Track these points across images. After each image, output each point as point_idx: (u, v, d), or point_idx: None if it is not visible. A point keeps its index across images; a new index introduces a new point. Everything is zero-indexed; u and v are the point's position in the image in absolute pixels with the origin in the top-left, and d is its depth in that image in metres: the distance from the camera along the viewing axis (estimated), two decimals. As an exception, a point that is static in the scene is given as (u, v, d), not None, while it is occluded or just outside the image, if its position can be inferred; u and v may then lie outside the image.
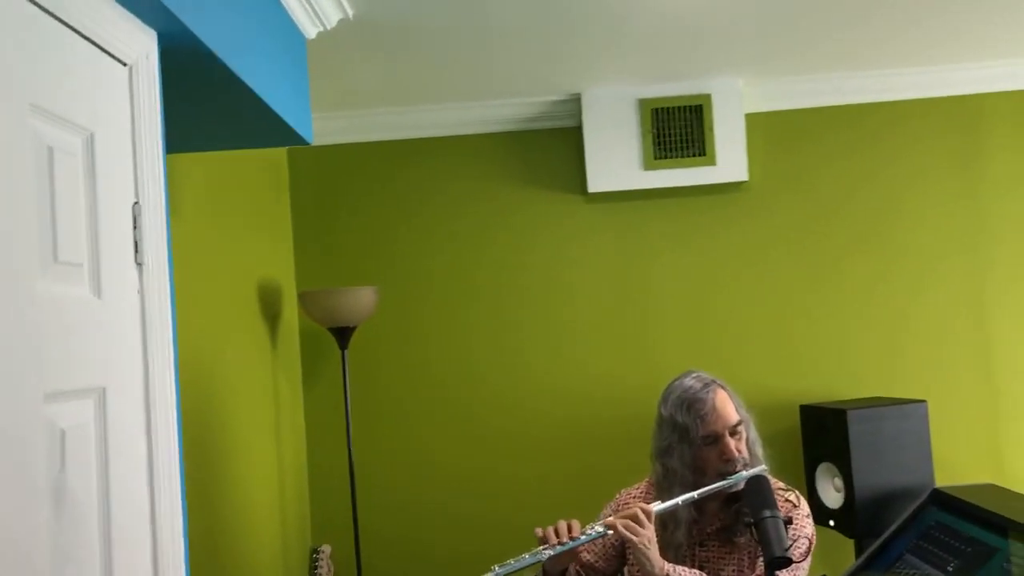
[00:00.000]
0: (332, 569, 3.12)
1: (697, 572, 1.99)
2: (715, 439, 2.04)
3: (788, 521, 1.90)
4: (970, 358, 3.27)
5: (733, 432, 2.05)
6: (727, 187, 3.34)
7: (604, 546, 2.16)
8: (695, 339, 3.34)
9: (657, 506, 1.99)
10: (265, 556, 2.82)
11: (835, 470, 2.96)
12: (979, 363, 3.27)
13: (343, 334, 3.05)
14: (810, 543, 2.07)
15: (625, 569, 2.24)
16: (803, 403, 3.15)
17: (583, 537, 1.96)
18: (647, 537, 1.95)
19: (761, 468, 2.01)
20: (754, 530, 1.86)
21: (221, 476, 2.53)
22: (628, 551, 2.19)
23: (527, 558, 1.94)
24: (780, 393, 3.23)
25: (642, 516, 1.95)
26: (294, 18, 2.24)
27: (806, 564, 2.07)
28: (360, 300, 2.99)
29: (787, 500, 2.07)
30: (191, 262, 2.29)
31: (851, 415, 2.85)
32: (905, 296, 3.32)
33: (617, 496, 2.28)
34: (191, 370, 2.27)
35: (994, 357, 3.27)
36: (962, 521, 2.58)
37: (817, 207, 3.36)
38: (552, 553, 1.94)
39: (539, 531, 1.98)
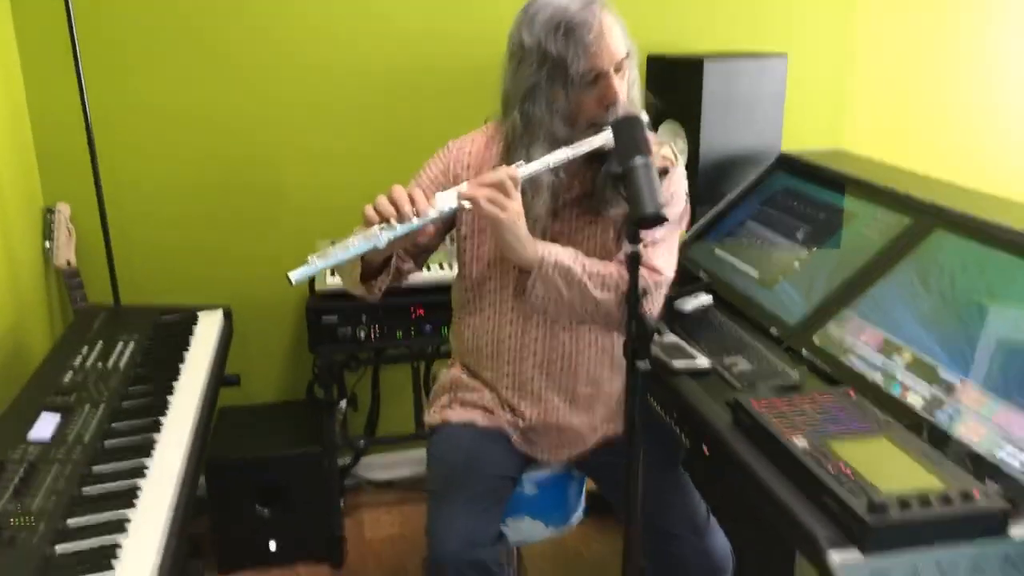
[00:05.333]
0: (73, 232, 2.50)
1: (574, 251, 1.60)
2: (596, 77, 1.55)
3: (664, 172, 1.50)
4: (833, 12, 2.91)
5: (618, 68, 1.57)
6: None
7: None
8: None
9: (523, 168, 1.53)
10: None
11: (680, 129, 2.61)
12: (841, 20, 2.93)
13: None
14: (686, 208, 1.71)
15: (453, 239, 1.82)
16: (652, 53, 2.70)
17: (432, 212, 1.48)
18: (515, 212, 1.50)
19: (640, 114, 1.57)
20: (622, 184, 1.44)
21: None
22: (466, 222, 1.75)
23: (357, 243, 1.45)
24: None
25: (509, 184, 1.49)
26: None
27: (678, 235, 1.73)
28: None
29: (664, 157, 1.66)
30: None
31: (708, 67, 2.45)
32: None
33: (447, 149, 1.79)
34: None
35: (857, 18, 2.93)
36: (814, 186, 2.34)
37: None
38: (392, 237, 1.46)
39: (370, 210, 1.48)
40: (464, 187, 1.52)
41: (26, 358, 2.30)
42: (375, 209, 1.48)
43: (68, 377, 1.87)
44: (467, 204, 1.51)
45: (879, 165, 2.44)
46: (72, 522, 1.37)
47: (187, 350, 2.10)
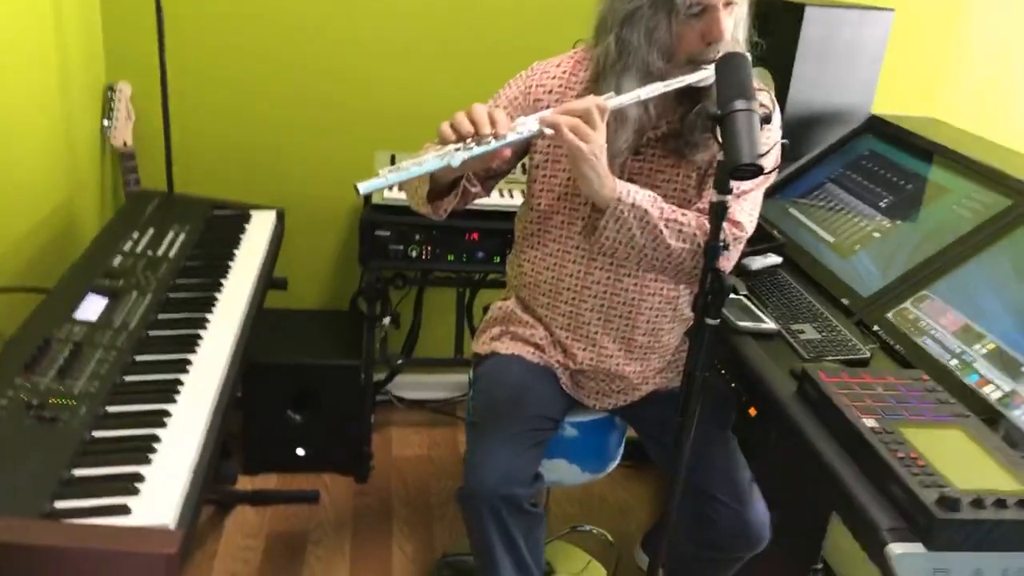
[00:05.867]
0: (132, 113, 2.44)
1: (653, 195, 1.51)
2: (703, 10, 1.44)
3: (766, 120, 1.40)
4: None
5: (728, 2, 1.45)
6: None
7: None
8: None
9: (613, 100, 1.43)
10: (37, 98, 2.09)
11: (769, 78, 2.47)
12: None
13: None
14: (778, 162, 1.61)
15: (528, 165, 1.74)
16: (750, -7, 2.55)
17: (510, 136, 1.40)
18: (599, 145, 1.41)
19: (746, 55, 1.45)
20: (718, 126, 1.35)
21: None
22: (540, 149, 1.67)
23: (430, 160, 1.37)
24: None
25: (596, 115, 1.40)
26: None
27: (764, 189, 1.64)
28: None
29: (762, 105, 1.55)
30: None
31: (809, 13, 2.30)
32: None
33: (530, 71, 1.69)
34: None
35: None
36: (904, 155, 2.21)
37: None
38: (467, 157, 1.38)
39: (446, 128, 1.39)
40: (548, 113, 1.44)
41: (76, 236, 2.28)
42: (452, 127, 1.40)
43: (117, 261, 1.84)
44: (549, 131, 1.43)
45: (978, 140, 2.29)
46: (113, 409, 1.35)
47: (238, 248, 2.05)
